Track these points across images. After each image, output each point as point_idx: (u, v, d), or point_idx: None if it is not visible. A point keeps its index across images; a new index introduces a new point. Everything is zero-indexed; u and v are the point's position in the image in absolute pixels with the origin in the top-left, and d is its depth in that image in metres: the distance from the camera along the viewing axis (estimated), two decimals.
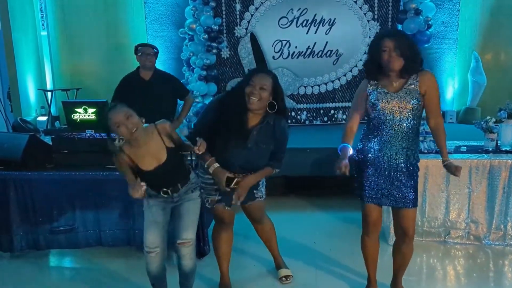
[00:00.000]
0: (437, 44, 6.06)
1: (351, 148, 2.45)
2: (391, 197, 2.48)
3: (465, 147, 3.56)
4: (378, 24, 5.90)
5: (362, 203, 2.57)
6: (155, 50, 3.84)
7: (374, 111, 2.42)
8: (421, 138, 3.56)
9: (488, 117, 3.54)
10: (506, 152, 3.46)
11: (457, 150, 3.51)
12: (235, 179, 2.53)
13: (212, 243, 2.96)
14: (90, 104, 3.27)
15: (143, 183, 2.25)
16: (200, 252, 3.34)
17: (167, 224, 2.54)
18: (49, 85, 6.40)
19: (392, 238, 3.14)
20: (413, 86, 2.36)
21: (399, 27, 5.89)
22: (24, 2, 6.11)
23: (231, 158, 2.50)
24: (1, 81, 5.91)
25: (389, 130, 2.41)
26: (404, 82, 2.38)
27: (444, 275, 3.10)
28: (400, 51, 2.29)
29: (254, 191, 2.70)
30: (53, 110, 6.24)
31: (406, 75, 2.36)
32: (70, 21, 6.39)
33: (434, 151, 3.47)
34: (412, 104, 2.36)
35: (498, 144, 3.54)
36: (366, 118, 2.54)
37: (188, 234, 2.46)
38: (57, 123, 6.01)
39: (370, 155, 2.48)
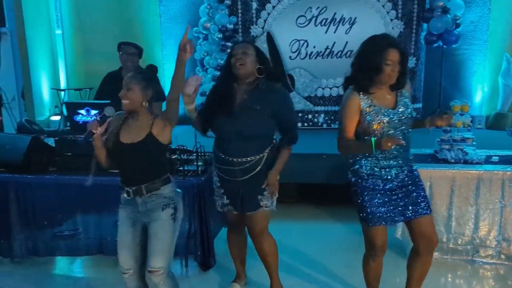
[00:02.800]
0: (466, 45, 5.78)
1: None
2: (404, 212, 2.27)
3: (497, 157, 3.26)
4: (402, 23, 5.60)
5: (366, 227, 2.33)
6: (137, 49, 3.68)
7: (370, 129, 2.19)
8: (447, 147, 3.30)
9: None
10: None
11: (488, 160, 3.22)
12: None
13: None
14: (93, 106, 3.12)
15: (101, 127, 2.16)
16: (205, 265, 3.14)
17: (139, 243, 2.28)
18: (63, 84, 6.33)
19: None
20: (403, 98, 2.28)
21: (425, 26, 5.60)
22: (39, 1, 6.05)
23: (224, 126, 2.45)
24: (16, 80, 5.88)
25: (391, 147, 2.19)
26: (395, 95, 2.27)
27: None
28: (402, 66, 2.17)
29: (259, 197, 2.50)
30: (65, 109, 6.16)
31: (396, 89, 2.26)
32: (85, 20, 6.35)
33: (462, 161, 3.19)
34: (410, 117, 2.26)
35: None
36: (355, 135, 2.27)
37: (156, 262, 2.18)
38: (68, 123, 5.93)
39: (370, 175, 2.27)
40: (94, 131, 2.14)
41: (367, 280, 2.52)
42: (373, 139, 2.12)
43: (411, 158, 2.35)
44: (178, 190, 2.36)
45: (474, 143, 3.39)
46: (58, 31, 6.24)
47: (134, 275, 2.29)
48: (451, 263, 3.18)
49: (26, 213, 3.23)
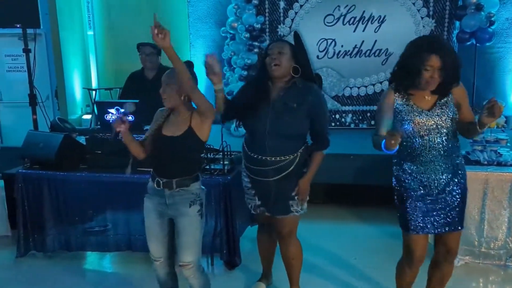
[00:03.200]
0: (500, 43, 5.55)
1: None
2: (439, 222, 2.21)
3: None
4: (433, 21, 5.45)
5: (405, 233, 2.27)
6: (155, 49, 3.74)
7: (405, 131, 2.13)
8: (479, 148, 3.20)
9: None
10: None
11: None
12: None
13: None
14: (122, 105, 3.17)
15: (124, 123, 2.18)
16: (231, 263, 3.16)
17: (168, 234, 2.37)
18: (94, 84, 6.49)
19: None
20: (447, 99, 2.15)
21: (457, 24, 5.43)
22: (72, 2, 6.23)
23: (258, 123, 2.40)
24: (50, 80, 6.07)
25: (427, 151, 2.14)
26: (436, 97, 2.15)
27: None
28: (444, 73, 2.04)
29: (290, 202, 2.47)
30: (96, 108, 6.32)
31: (439, 94, 2.14)
32: (115, 21, 6.47)
33: (495, 163, 3.08)
34: (449, 120, 2.14)
35: None
36: None
37: (186, 256, 2.28)
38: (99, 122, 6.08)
39: (410, 179, 2.21)
40: (119, 129, 2.18)
41: (399, 285, 2.46)
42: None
43: (457, 163, 2.21)
44: (203, 187, 2.40)
45: (508, 144, 3.28)
46: (90, 32, 6.40)
47: (165, 262, 2.40)
48: (483, 268, 3.08)
49: (58, 209, 3.34)
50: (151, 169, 2.37)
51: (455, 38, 5.49)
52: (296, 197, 2.47)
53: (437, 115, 2.14)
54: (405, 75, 2.11)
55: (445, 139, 2.14)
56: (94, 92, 6.27)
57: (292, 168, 2.43)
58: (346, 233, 3.79)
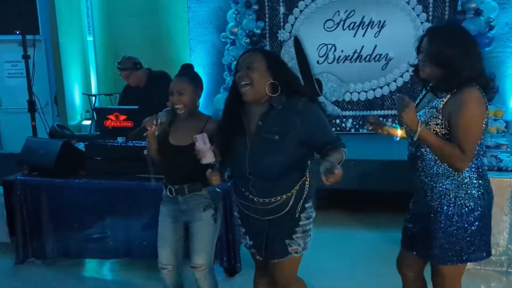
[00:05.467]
0: (500, 47, 5.55)
1: (398, 130, 2.03)
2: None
3: None
4: None
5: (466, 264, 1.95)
6: (129, 63, 3.87)
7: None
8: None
9: None
10: None
11: None
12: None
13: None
14: (122, 111, 3.18)
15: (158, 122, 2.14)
16: (230, 270, 3.14)
17: (181, 239, 2.38)
18: (93, 90, 6.50)
19: None
20: (437, 103, 1.81)
21: None
22: (71, 8, 6.25)
23: (239, 166, 1.95)
24: (49, 85, 6.08)
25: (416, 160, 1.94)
26: (434, 97, 1.86)
27: None
28: (435, 58, 1.76)
29: (287, 241, 1.98)
30: (96, 115, 6.32)
31: (442, 90, 1.80)
32: (115, 27, 6.49)
33: (496, 168, 3.07)
34: (429, 127, 1.80)
35: None
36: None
37: (199, 259, 2.30)
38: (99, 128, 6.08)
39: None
40: (148, 128, 2.15)
41: None
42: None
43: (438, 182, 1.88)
44: (218, 189, 2.40)
45: (508, 149, 3.27)
46: (90, 38, 6.42)
47: (173, 271, 2.37)
48: (485, 274, 3.07)
49: (57, 216, 3.33)
50: (163, 176, 2.38)
51: None
52: (295, 236, 1.99)
53: (419, 117, 1.81)
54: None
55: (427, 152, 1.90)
56: (94, 98, 6.27)
57: (287, 209, 1.97)
58: (346, 238, 3.77)
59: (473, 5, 5.23)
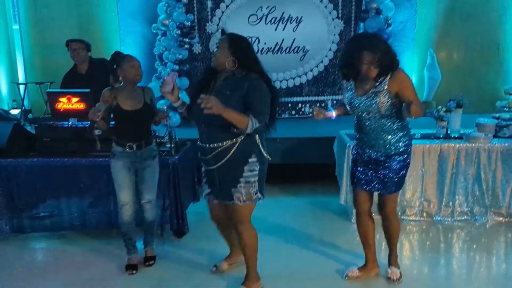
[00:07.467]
0: (396, 42, 6.36)
1: (333, 112, 2.87)
2: (375, 185, 2.76)
3: (419, 134, 3.93)
4: (342, 22, 6.24)
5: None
6: (83, 43, 4.01)
7: (350, 110, 2.74)
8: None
9: (440, 107, 3.93)
10: (455, 138, 3.86)
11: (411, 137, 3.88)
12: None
13: None
14: (74, 94, 3.42)
15: (99, 113, 2.77)
16: (179, 232, 3.57)
17: (134, 183, 3.02)
18: (21, 79, 6.40)
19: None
20: (382, 86, 2.53)
21: (361, 25, 6.25)
22: None
23: (198, 114, 2.47)
24: None
25: (363, 127, 2.69)
26: (374, 84, 2.57)
27: (401, 248, 3.42)
28: (378, 63, 2.48)
29: (232, 189, 2.53)
30: (26, 103, 6.26)
31: (380, 78, 2.55)
32: (42, 15, 6.41)
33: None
34: (379, 103, 2.54)
35: (448, 131, 3.92)
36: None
37: (150, 195, 3.06)
38: (30, 116, 6.05)
39: (355, 151, 2.84)
40: (96, 119, 2.79)
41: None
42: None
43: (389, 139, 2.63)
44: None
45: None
46: (16, 26, 6.30)
47: (131, 207, 3.02)
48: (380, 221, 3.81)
49: (10, 195, 3.48)
50: (114, 138, 2.96)
51: None
52: (238, 185, 2.50)
53: (367, 99, 2.57)
54: (348, 68, 2.56)
55: (374, 120, 2.61)
56: (22, 86, 6.20)
57: (230, 155, 2.47)
58: (279, 205, 4.33)
59: (374, 5, 6.03)
